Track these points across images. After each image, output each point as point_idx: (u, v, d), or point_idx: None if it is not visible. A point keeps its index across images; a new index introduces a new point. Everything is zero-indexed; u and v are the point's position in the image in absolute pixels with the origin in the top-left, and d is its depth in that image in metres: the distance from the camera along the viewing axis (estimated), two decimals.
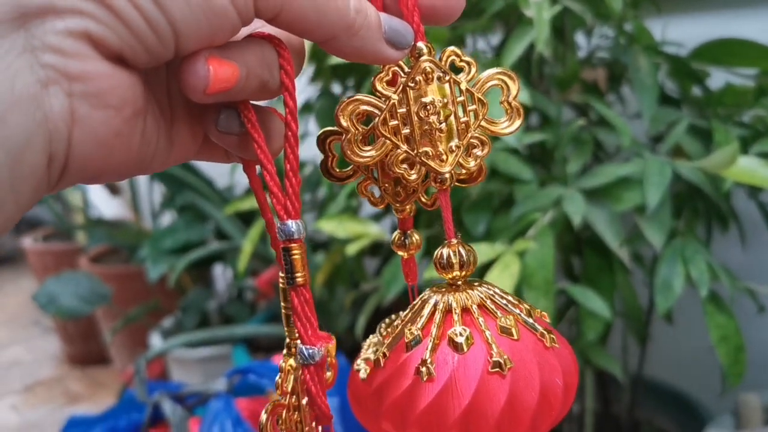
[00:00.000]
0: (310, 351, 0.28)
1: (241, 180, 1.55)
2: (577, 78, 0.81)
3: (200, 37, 0.24)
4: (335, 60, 0.88)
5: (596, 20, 0.82)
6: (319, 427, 0.30)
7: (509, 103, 0.31)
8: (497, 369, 0.29)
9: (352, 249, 0.81)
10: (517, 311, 0.31)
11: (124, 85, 0.23)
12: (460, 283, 0.32)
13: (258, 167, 0.29)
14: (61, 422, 0.96)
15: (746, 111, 0.82)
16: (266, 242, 1.15)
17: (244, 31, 0.26)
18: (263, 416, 0.30)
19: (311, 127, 1.17)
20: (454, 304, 0.31)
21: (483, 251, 0.70)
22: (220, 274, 1.80)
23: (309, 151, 1.25)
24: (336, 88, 1.10)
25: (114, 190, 2.07)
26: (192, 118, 0.28)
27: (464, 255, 0.31)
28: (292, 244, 0.27)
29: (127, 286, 1.73)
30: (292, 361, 0.31)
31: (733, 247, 0.91)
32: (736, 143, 0.70)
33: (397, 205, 0.33)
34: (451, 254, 0.31)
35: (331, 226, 0.85)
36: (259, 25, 0.28)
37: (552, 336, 0.31)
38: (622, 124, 0.75)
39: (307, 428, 0.30)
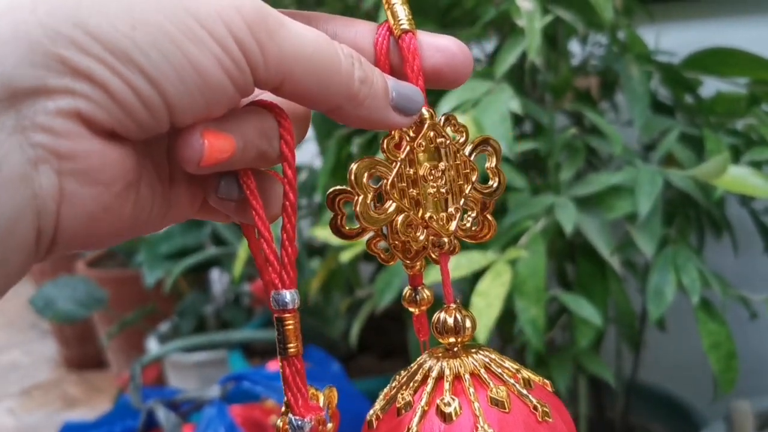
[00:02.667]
0: (299, 422, 0.28)
1: None
2: (570, 86, 0.82)
3: (196, 111, 0.24)
4: None
5: (589, 29, 0.82)
6: None
7: (495, 168, 0.32)
8: None
9: (345, 256, 0.81)
10: (512, 381, 0.31)
11: (115, 161, 0.23)
12: (456, 348, 0.32)
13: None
14: (58, 426, 0.96)
15: (738, 119, 0.83)
16: None
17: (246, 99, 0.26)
18: None
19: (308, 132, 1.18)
20: (447, 372, 0.31)
21: (475, 259, 0.71)
22: (217, 279, 1.80)
23: (305, 156, 1.26)
24: None
25: None
26: (191, 182, 0.28)
27: (461, 321, 0.31)
28: (286, 314, 0.27)
29: (124, 290, 1.73)
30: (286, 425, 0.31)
31: (726, 254, 0.92)
32: (727, 152, 0.71)
33: (407, 262, 0.33)
34: (448, 319, 0.31)
35: (326, 234, 0.86)
36: (260, 92, 0.27)
37: (545, 409, 0.30)
38: (613, 132, 0.75)
39: None
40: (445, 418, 0.29)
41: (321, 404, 0.31)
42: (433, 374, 0.31)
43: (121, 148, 0.23)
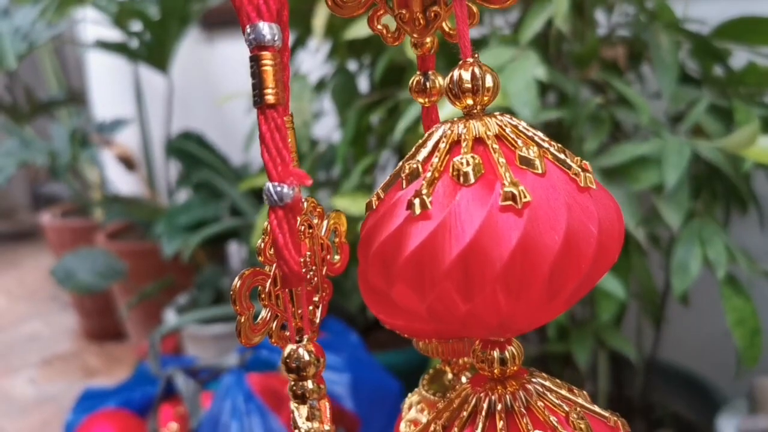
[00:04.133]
0: (279, 189, 0.22)
1: (256, 158, 1.55)
2: (595, 55, 0.80)
3: None
4: (351, 36, 0.87)
5: None
6: (317, 310, 0.25)
7: None
8: (509, 202, 0.23)
9: None
10: (547, 146, 0.25)
11: None
12: (476, 111, 0.26)
13: None
14: (78, 396, 0.97)
15: None
16: None
17: None
18: (236, 282, 0.25)
19: (326, 105, 1.17)
20: (464, 133, 0.25)
21: None
22: (235, 252, 1.81)
23: (323, 130, 1.25)
24: (352, 65, 1.09)
25: (130, 166, 2.08)
26: None
27: (479, 76, 0.25)
28: (263, 52, 0.22)
29: (143, 262, 1.74)
30: None
31: (752, 229, 0.90)
32: (757, 122, 0.69)
33: (416, 36, 0.28)
34: (464, 75, 0.25)
35: (345, 203, 0.85)
36: None
37: (588, 175, 0.25)
38: (641, 101, 0.74)
39: (299, 311, 0.25)
40: (464, 178, 0.24)
41: (324, 231, 0.26)
42: (448, 137, 0.25)
43: None
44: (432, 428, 0.28)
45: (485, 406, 0.27)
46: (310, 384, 0.24)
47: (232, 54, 1.84)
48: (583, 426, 0.26)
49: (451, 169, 0.24)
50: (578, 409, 0.27)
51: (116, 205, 1.86)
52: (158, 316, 1.61)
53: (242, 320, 0.25)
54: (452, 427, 0.27)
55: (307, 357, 0.24)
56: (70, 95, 2.18)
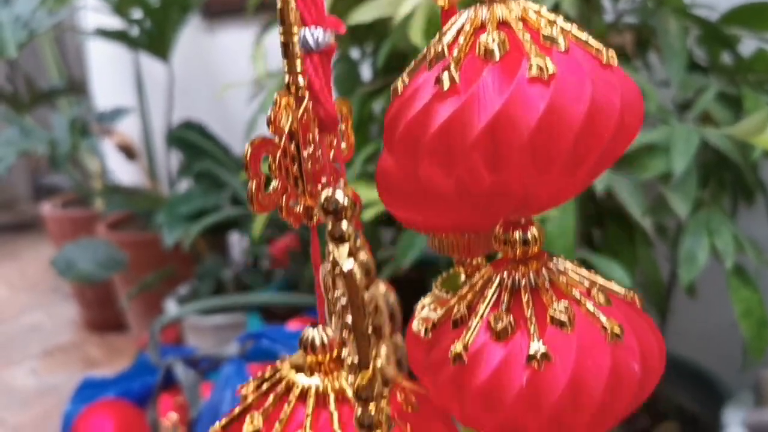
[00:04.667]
0: (317, 35, 0.22)
1: None
2: (603, 42, 0.79)
3: None
4: (355, 21, 0.86)
5: None
6: (324, 192, 0.24)
7: None
8: (536, 73, 0.23)
9: (368, 214, 0.79)
10: (569, 27, 0.26)
11: None
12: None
13: None
14: None
15: None
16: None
17: None
18: (247, 149, 0.24)
19: None
20: (488, 17, 0.25)
21: None
22: (236, 242, 1.80)
23: None
24: (354, 53, 1.08)
25: (131, 156, 2.07)
26: None
27: None
28: None
29: (144, 252, 1.73)
30: (291, 100, 0.25)
31: (760, 219, 0.89)
32: (767, 110, 0.68)
33: None
34: None
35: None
36: None
37: (611, 52, 0.26)
38: (648, 89, 0.72)
39: (309, 186, 0.25)
40: (491, 55, 0.24)
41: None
42: (472, 22, 0.25)
43: None
44: (456, 309, 0.28)
45: (509, 283, 0.28)
46: (347, 226, 0.23)
47: (233, 44, 1.83)
48: (602, 299, 0.27)
49: (477, 48, 0.24)
50: (598, 284, 0.28)
51: (117, 195, 1.85)
52: (159, 306, 1.60)
53: (253, 186, 0.24)
54: (477, 305, 0.28)
55: (345, 200, 0.23)
56: (71, 84, 2.17)
